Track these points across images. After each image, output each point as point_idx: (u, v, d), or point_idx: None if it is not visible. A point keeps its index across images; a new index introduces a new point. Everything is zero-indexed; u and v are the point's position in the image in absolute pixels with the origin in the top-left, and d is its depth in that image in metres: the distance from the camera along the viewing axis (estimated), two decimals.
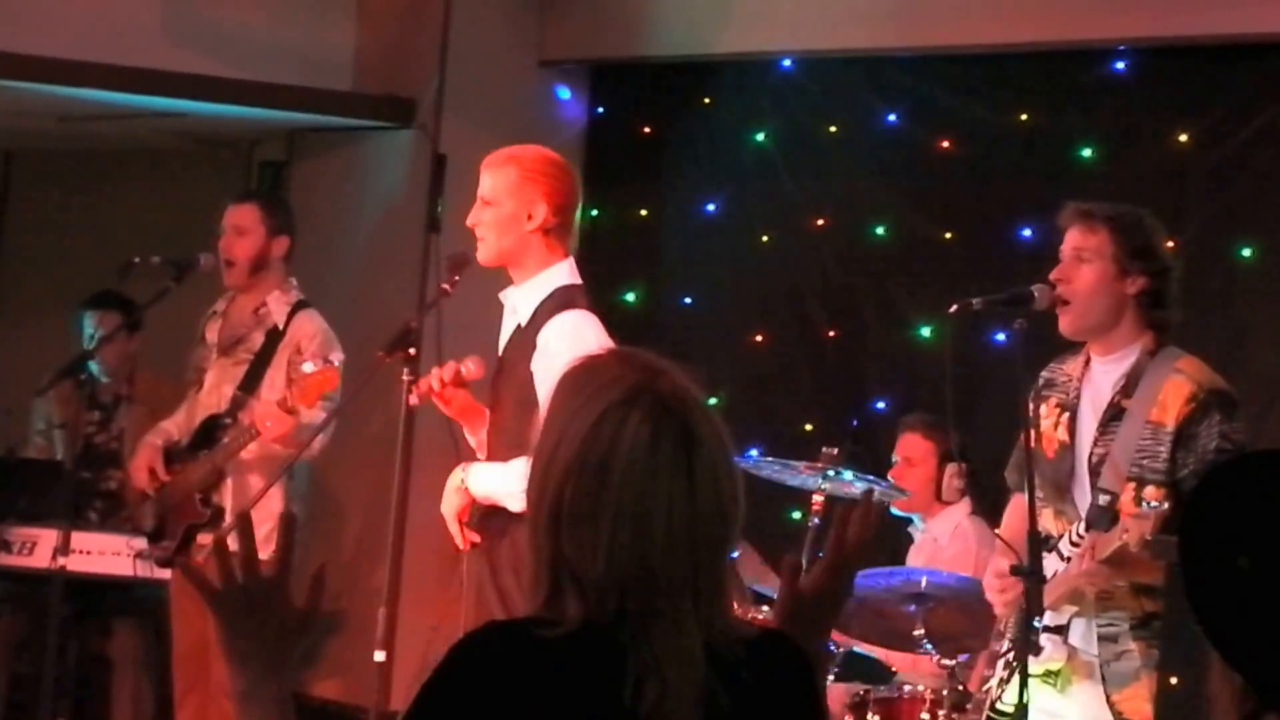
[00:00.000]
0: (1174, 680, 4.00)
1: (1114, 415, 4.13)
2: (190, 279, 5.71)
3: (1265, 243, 5.70)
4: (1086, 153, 6.08)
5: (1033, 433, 4.19)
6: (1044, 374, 4.32)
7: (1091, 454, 4.15)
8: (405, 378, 4.78)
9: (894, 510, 5.60)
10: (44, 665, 5.72)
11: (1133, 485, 4.05)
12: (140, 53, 6.76)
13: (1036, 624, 4.00)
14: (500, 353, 4.41)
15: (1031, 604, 3.97)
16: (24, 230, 8.68)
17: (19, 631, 6.46)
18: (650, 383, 1.98)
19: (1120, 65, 6.05)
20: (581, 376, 2.02)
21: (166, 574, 6.01)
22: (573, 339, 4.18)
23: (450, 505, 4.37)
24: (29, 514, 6.22)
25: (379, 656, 4.57)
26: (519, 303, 4.37)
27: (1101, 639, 4.10)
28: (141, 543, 5.93)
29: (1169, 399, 4.08)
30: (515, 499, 4.14)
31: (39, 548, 6.12)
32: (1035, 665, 4.10)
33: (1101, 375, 4.20)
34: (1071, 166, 6.08)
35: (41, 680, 5.75)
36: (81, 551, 5.93)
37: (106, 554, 6.12)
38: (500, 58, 7.13)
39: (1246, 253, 5.75)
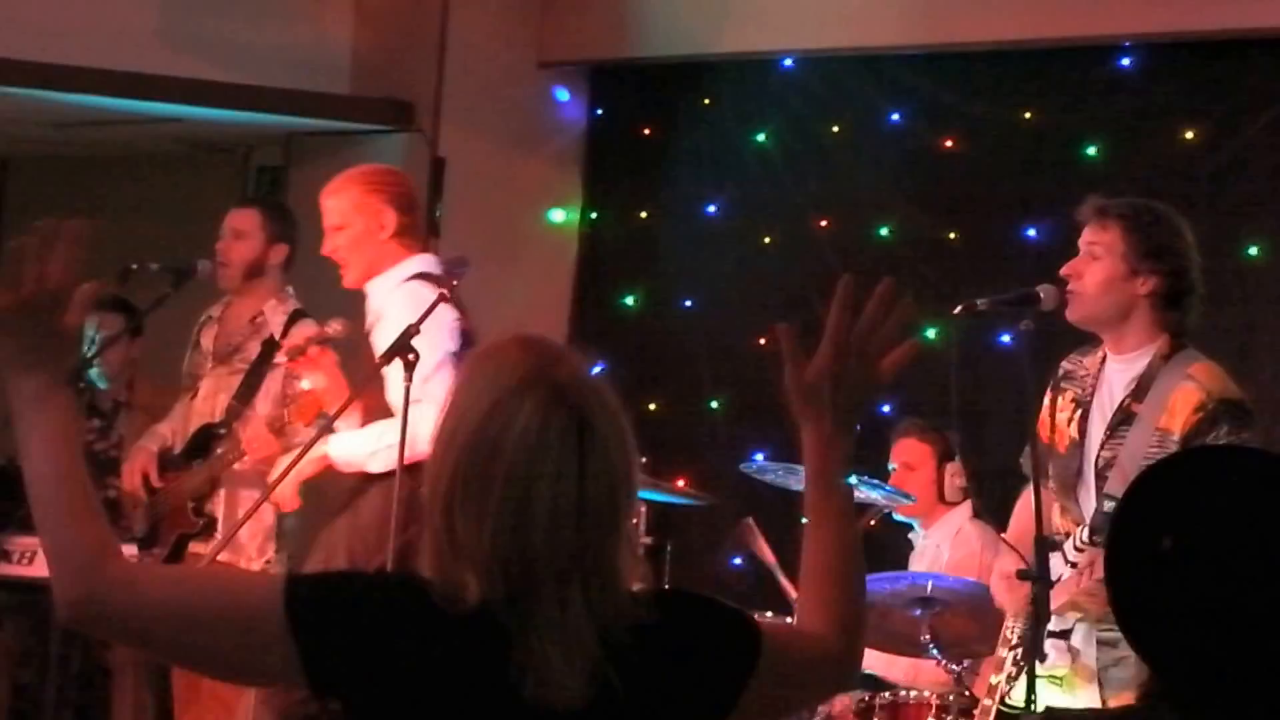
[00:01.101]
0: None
1: (1123, 419, 4.08)
2: (188, 285, 5.67)
3: (1273, 240, 5.70)
4: (1092, 150, 6.08)
5: (1049, 420, 4.18)
6: (1064, 364, 4.26)
7: (1099, 457, 4.10)
8: (404, 383, 4.78)
9: (896, 516, 5.57)
10: (46, 675, 5.71)
11: None
12: (137, 58, 6.76)
13: (1049, 626, 3.98)
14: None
15: (1040, 608, 3.96)
16: (21, 236, 8.66)
17: (20, 641, 6.43)
18: (547, 368, 2.02)
19: (1126, 62, 6.05)
20: (482, 361, 2.06)
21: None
22: (409, 300, 4.46)
23: (304, 474, 4.64)
24: (29, 524, 6.18)
25: None
26: (374, 297, 4.63)
27: (1101, 644, 4.07)
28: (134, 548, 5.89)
29: (1177, 406, 4.02)
30: (376, 459, 4.51)
31: (40, 557, 6.09)
32: (1042, 670, 4.05)
33: (1115, 375, 4.15)
34: (1077, 164, 6.08)
35: (43, 690, 5.76)
36: None
37: None
38: (499, 60, 7.13)
39: (1254, 251, 5.74)
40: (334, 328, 4.64)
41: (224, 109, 6.99)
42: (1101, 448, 4.10)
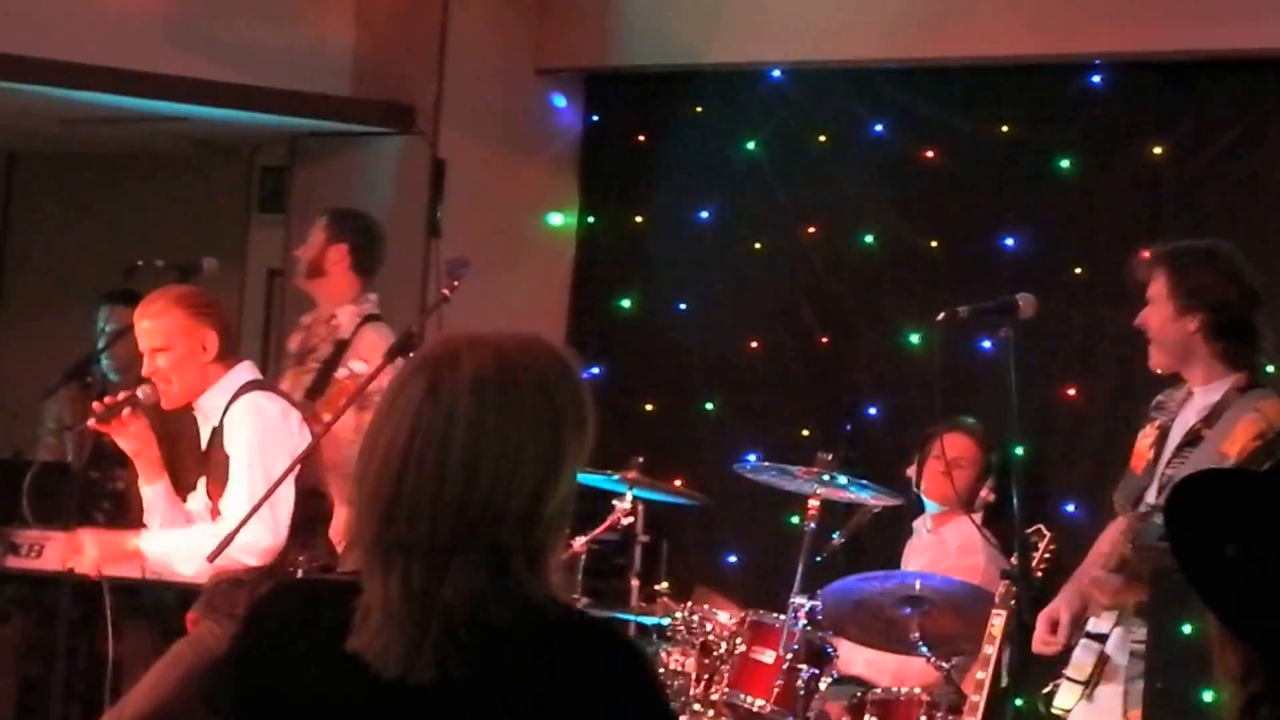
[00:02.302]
0: (1159, 685, 4.12)
1: (1190, 441, 4.27)
2: (194, 282, 5.78)
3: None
4: (1064, 164, 6.19)
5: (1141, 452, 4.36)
6: (1159, 396, 4.45)
7: (1163, 475, 4.29)
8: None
9: (926, 501, 5.62)
10: (53, 668, 5.72)
11: None
12: (143, 57, 6.80)
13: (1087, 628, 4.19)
14: (204, 452, 4.73)
15: (1022, 608, 4.16)
16: (27, 233, 8.66)
17: (28, 634, 6.37)
18: (444, 352, 2.03)
19: (1096, 79, 6.17)
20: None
21: (175, 578, 6.11)
22: (252, 410, 4.59)
23: (106, 552, 4.74)
24: (37, 517, 6.25)
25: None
26: (208, 409, 4.70)
27: (1135, 655, 4.23)
28: None
29: (1239, 435, 4.21)
30: (188, 564, 4.62)
31: (47, 550, 6.14)
32: (1079, 671, 4.26)
33: (1193, 404, 4.34)
34: (1050, 177, 6.21)
35: (51, 682, 5.76)
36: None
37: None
38: (497, 65, 7.18)
39: None
40: (144, 391, 4.70)
41: (229, 109, 7.01)
42: (1167, 466, 4.29)
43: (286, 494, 4.58)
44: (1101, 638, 4.29)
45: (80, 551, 4.80)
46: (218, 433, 4.69)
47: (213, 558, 4.52)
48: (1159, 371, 4.38)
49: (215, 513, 4.70)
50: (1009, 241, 6.24)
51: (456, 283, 4.91)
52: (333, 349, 5.67)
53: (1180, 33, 5.95)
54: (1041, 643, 4.33)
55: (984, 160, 6.39)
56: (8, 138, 8.24)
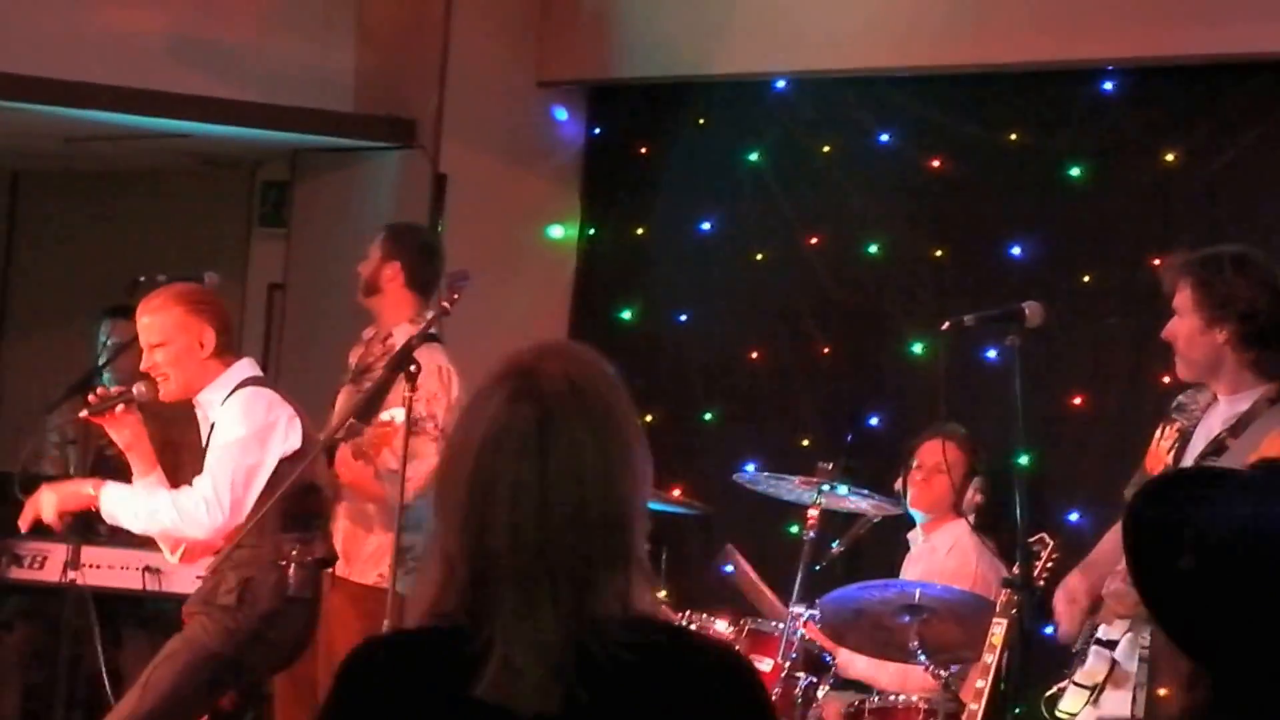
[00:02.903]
0: (1162, 692, 4.04)
1: (1215, 449, 4.20)
2: None
3: None
4: (1075, 171, 6.12)
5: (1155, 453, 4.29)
6: (1181, 397, 4.37)
7: None
8: (407, 394, 4.89)
9: (910, 510, 5.59)
10: (56, 677, 5.75)
11: None
12: (147, 75, 6.82)
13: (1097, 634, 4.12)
14: (205, 444, 4.80)
15: (1024, 614, 4.09)
16: (32, 249, 8.69)
17: (31, 643, 6.44)
18: (529, 362, 1.95)
19: (1108, 85, 6.10)
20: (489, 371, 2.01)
21: (175, 588, 6.09)
22: (242, 407, 4.67)
23: (61, 496, 4.83)
24: (40, 529, 6.26)
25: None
26: (208, 405, 4.78)
27: (1142, 660, 4.14)
28: (151, 557, 5.99)
29: (1268, 448, 4.05)
30: (137, 523, 4.75)
31: (50, 561, 6.15)
32: (1088, 677, 4.18)
33: (1218, 412, 4.27)
34: (1060, 185, 6.14)
35: (54, 692, 5.79)
36: (92, 565, 5.98)
37: (116, 568, 6.17)
38: (499, 78, 7.18)
39: None
40: (139, 389, 4.76)
41: (231, 125, 7.03)
42: None
43: (249, 483, 4.64)
44: (1113, 644, 4.22)
45: (38, 508, 4.86)
46: (215, 428, 4.76)
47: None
48: (1187, 381, 4.30)
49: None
50: (1016, 250, 6.18)
51: (457, 295, 4.95)
52: (386, 368, 5.62)
53: (1193, 37, 5.88)
54: (1061, 617, 4.25)
55: (992, 168, 6.34)
56: (12, 157, 8.29)
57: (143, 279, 5.84)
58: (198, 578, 5.07)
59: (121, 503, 4.76)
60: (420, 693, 1.94)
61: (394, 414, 5.18)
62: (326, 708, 2.00)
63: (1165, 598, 2.06)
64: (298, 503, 4.69)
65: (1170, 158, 5.96)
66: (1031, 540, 4.47)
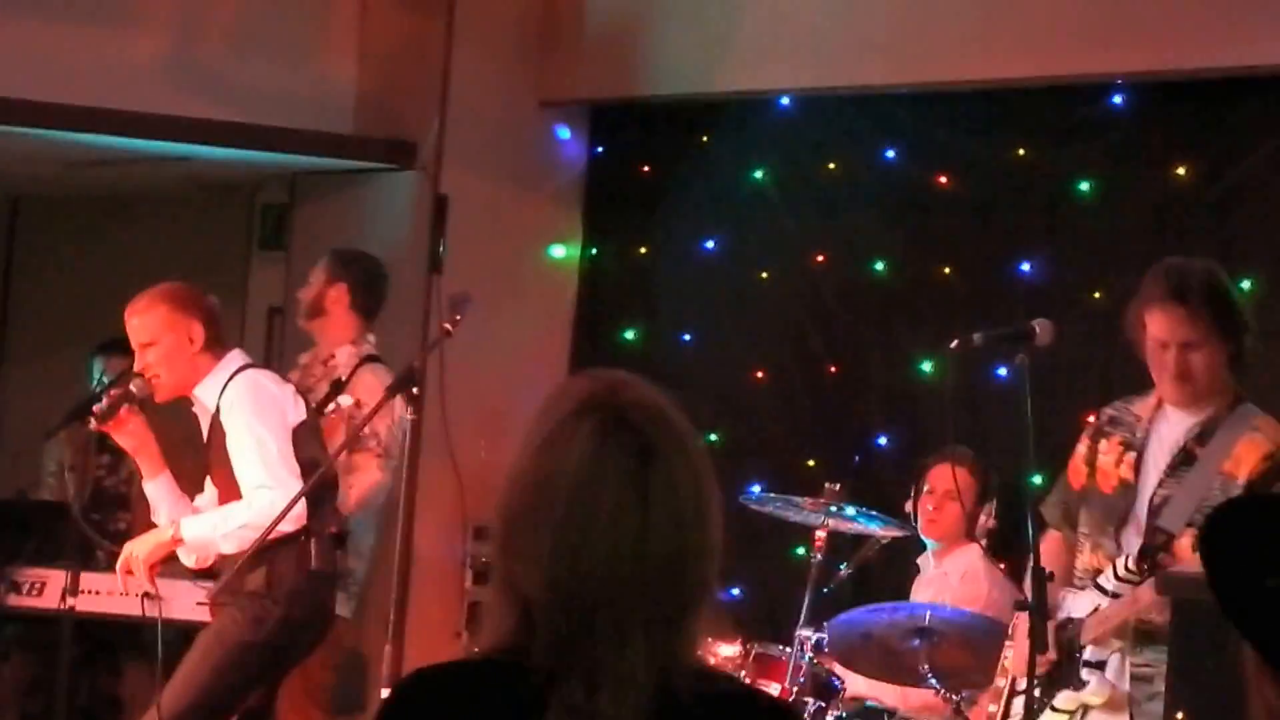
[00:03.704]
0: (1180, 717, 4.01)
1: (1184, 460, 4.18)
2: None
3: (1264, 277, 5.67)
4: (1084, 187, 6.07)
5: (1086, 468, 4.27)
6: (1109, 410, 4.35)
7: (1155, 495, 4.18)
8: (409, 417, 4.88)
9: (924, 538, 5.54)
10: (54, 705, 5.73)
11: (1192, 530, 4.08)
12: (145, 98, 6.80)
13: (1079, 657, 4.08)
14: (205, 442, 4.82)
15: (1036, 639, 4.01)
16: (31, 275, 8.69)
17: (29, 672, 6.43)
18: (608, 394, 1.89)
19: (1118, 100, 6.04)
20: (551, 395, 1.94)
21: (175, 615, 6.03)
22: (249, 389, 4.72)
23: (146, 550, 4.81)
24: (38, 556, 6.24)
25: (385, 694, 4.59)
26: (205, 398, 4.82)
27: (1136, 679, 4.13)
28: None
29: (1244, 455, 4.13)
30: (228, 540, 4.69)
31: (48, 589, 6.13)
32: (1071, 700, 4.14)
33: (1176, 421, 4.24)
34: (1070, 201, 6.09)
35: None
36: (90, 592, 5.94)
37: (115, 594, 6.12)
38: (500, 99, 7.14)
39: (1245, 286, 5.73)
40: (136, 385, 4.82)
41: (231, 148, 7.00)
42: (1160, 486, 4.18)
43: (284, 455, 4.70)
44: (1101, 665, 4.19)
45: (130, 571, 4.86)
46: (216, 419, 4.79)
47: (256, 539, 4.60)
48: (1181, 407, 4.23)
49: (224, 502, 4.79)
50: (1025, 267, 6.11)
51: (459, 317, 4.92)
52: (329, 389, 5.64)
53: (1205, 50, 5.80)
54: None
55: (1000, 185, 6.29)
56: (11, 183, 8.29)
57: None
58: (198, 604, 5.05)
59: (207, 533, 4.76)
60: (465, 711, 1.88)
61: (341, 401, 5.40)
62: None
63: (1255, 618, 1.97)
64: (306, 479, 4.71)
65: (1181, 173, 5.89)
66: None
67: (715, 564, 1.89)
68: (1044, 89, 6.17)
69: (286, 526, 4.66)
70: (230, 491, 4.80)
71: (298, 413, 4.82)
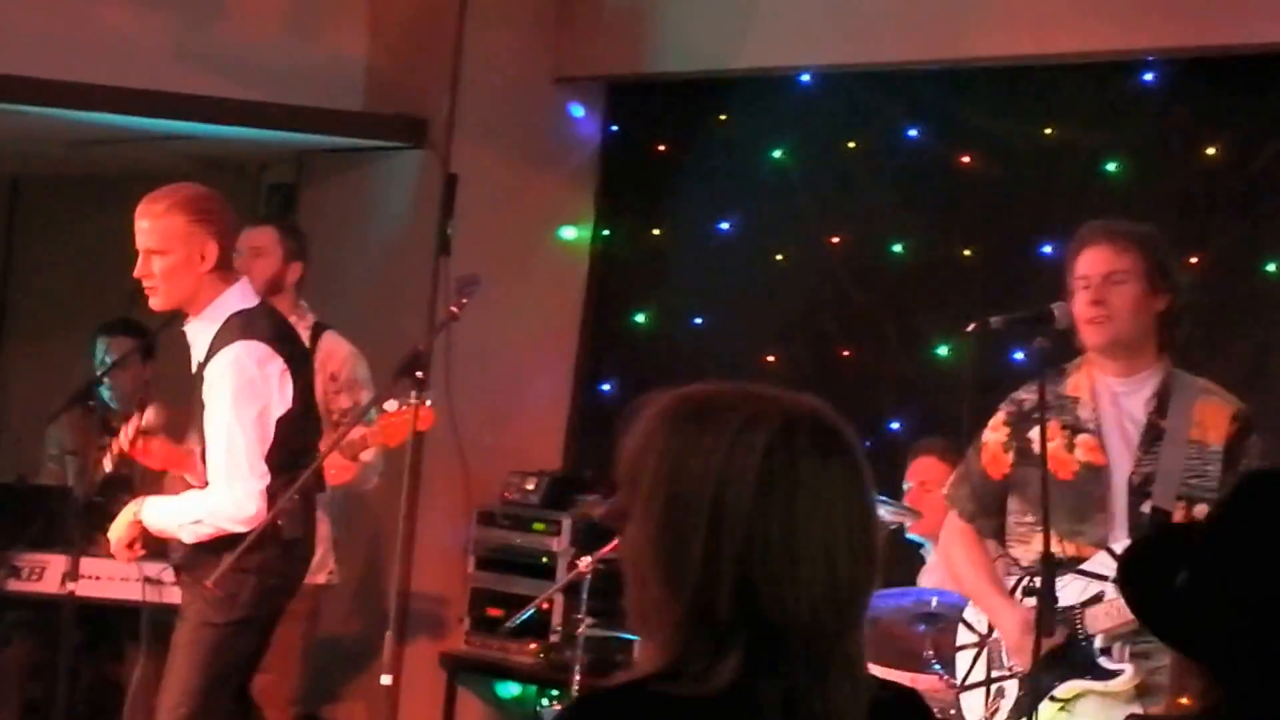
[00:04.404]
0: (1184, 701, 3.90)
1: (1155, 436, 4.13)
2: None
3: None
4: (1113, 167, 5.96)
5: (1011, 455, 4.23)
6: (1022, 395, 4.28)
7: (1134, 474, 4.12)
8: (414, 401, 4.79)
9: (909, 535, 5.49)
10: (55, 690, 5.68)
11: (1183, 504, 4.05)
12: (149, 75, 6.71)
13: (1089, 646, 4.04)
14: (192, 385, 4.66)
15: (1042, 626, 3.92)
16: (33, 256, 8.69)
17: (30, 656, 6.40)
18: (792, 405, 1.86)
19: (1149, 77, 5.93)
20: (698, 410, 1.85)
21: (176, 600, 5.96)
22: (234, 368, 4.46)
23: (117, 532, 4.69)
24: (39, 540, 6.20)
25: (386, 680, 4.56)
26: (195, 338, 4.58)
27: (1134, 656, 4.07)
28: (151, 568, 5.89)
29: (1208, 420, 4.11)
30: (184, 531, 4.53)
31: (48, 573, 6.11)
32: (1071, 690, 4.08)
33: (1124, 397, 4.18)
34: (1098, 181, 5.98)
35: (53, 705, 5.71)
36: (91, 577, 5.90)
37: (116, 579, 6.09)
38: (514, 75, 7.05)
39: (1272, 268, 5.64)
40: (147, 418, 4.69)
41: (237, 126, 6.91)
42: (1138, 465, 4.12)
43: (261, 447, 4.48)
44: (1105, 652, 4.11)
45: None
46: (200, 374, 4.57)
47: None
48: (1102, 348, 4.18)
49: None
50: (1049, 250, 5.96)
51: (466, 300, 4.86)
52: None
53: (1235, 27, 5.68)
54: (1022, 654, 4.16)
55: (1026, 164, 6.17)
56: (13, 162, 8.26)
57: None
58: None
59: (164, 521, 4.62)
60: None
61: (390, 405, 5.14)
62: None
63: (1165, 617, 2.12)
64: (284, 448, 4.54)
65: (1211, 152, 5.78)
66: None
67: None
68: (1072, 66, 6.06)
69: (239, 529, 4.47)
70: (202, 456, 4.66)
71: (284, 401, 4.53)
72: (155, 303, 4.58)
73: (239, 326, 4.51)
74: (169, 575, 5.69)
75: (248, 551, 4.44)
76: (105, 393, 6.41)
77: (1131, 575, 2.16)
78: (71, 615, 5.50)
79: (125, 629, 6.33)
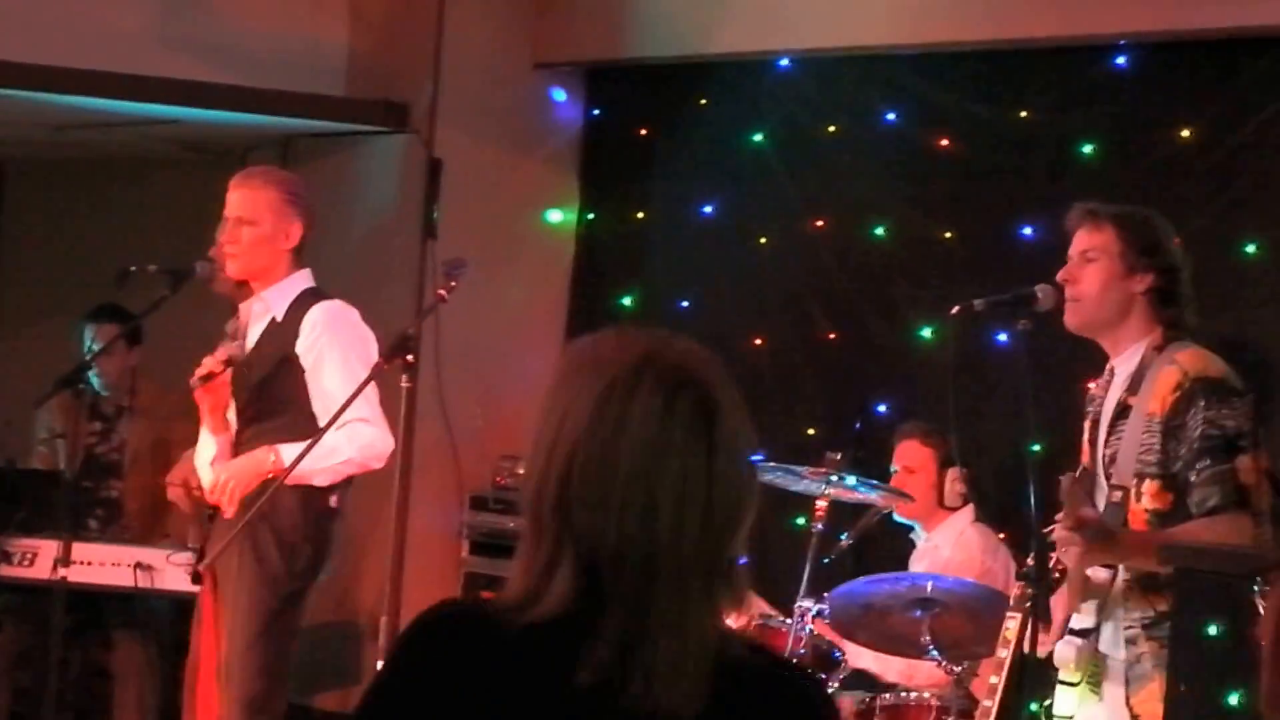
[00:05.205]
0: (1182, 688, 3.96)
1: (1121, 414, 4.12)
2: (187, 288, 5.65)
3: (1270, 239, 5.63)
4: (1088, 150, 6.01)
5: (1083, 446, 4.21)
6: (1091, 388, 4.31)
7: (1104, 456, 4.15)
8: (404, 384, 4.82)
9: (897, 517, 5.55)
10: (45, 677, 5.69)
11: (1135, 481, 4.04)
12: (134, 60, 6.73)
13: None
14: (248, 353, 4.75)
15: (1039, 611, 3.96)
16: (20, 240, 8.65)
17: (20, 643, 6.41)
18: (659, 351, 1.89)
19: (1121, 60, 5.97)
20: (585, 352, 1.92)
21: (167, 586, 5.99)
22: (343, 319, 4.67)
23: (242, 477, 4.67)
24: (29, 525, 6.20)
25: (380, 667, 4.54)
26: (273, 302, 4.74)
27: (1126, 642, 4.08)
28: (142, 554, 5.93)
29: (1159, 391, 4.06)
30: (321, 475, 4.62)
31: (39, 559, 6.10)
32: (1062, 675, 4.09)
33: (1119, 378, 4.20)
34: (1073, 164, 6.02)
35: (43, 692, 5.72)
36: (82, 563, 5.90)
37: (107, 565, 6.09)
38: (495, 60, 7.09)
39: (1251, 249, 5.68)
40: (234, 349, 4.75)
41: (221, 111, 6.94)
42: (1105, 446, 4.14)
43: (377, 401, 4.63)
44: (1085, 633, 4.11)
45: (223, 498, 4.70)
46: (283, 328, 4.70)
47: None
48: (1076, 329, 4.20)
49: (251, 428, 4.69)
50: (1027, 231, 6.04)
51: (454, 283, 4.85)
52: None
53: (1208, 10, 5.73)
54: (1041, 645, 4.17)
55: (1002, 147, 6.22)
56: None
57: (133, 269, 5.76)
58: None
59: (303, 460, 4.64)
60: (502, 667, 1.85)
61: None
62: (386, 671, 1.92)
63: None
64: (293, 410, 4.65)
65: (1185, 135, 5.82)
66: (1046, 531, 4.33)
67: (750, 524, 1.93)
68: (1047, 50, 6.10)
69: (377, 465, 4.64)
70: (260, 413, 4.68)
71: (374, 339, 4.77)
72: (232, 269, 4.74)
73: (321, 295, 4.74)
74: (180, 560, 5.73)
75: (305, 522, 4.51)
76: (94, 378, 6.42)
77: None
78: (61, 601, 5.52)
79: (115, 615, 6.37)
